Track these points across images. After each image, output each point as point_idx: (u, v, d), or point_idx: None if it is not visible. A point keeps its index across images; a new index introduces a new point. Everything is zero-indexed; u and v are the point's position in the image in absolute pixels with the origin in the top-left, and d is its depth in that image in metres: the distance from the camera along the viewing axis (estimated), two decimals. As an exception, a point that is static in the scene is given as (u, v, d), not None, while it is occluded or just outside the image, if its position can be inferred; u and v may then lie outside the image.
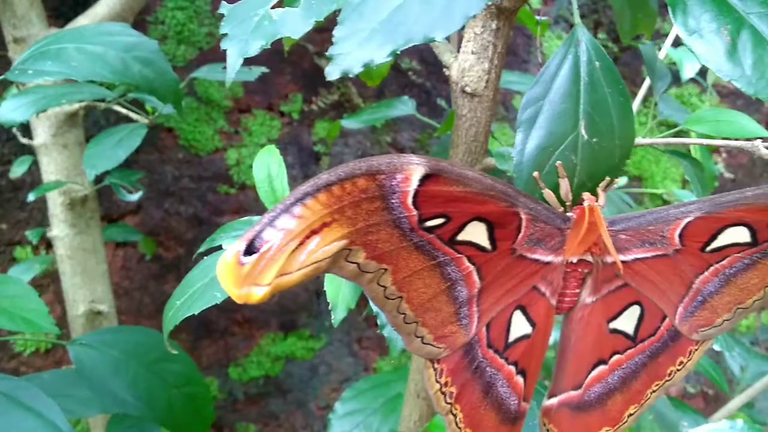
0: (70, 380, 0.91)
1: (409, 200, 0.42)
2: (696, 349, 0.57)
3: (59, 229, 1.25)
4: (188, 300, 0.57)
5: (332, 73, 0.48)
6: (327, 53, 0.46)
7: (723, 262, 0.54)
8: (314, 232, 0.39)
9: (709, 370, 1.26)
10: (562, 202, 0.53)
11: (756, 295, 0.55)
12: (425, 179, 0.42)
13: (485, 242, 0.47)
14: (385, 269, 0.44)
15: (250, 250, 0.38)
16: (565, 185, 0.52)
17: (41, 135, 1.23)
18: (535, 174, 0.52)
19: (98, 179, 1.24)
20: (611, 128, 0.54)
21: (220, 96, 1.52)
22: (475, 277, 0.48)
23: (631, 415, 0.58)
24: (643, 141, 0.69)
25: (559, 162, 0.53)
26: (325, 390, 1.68)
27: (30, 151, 1.30)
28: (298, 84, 1.58)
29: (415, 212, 0.42)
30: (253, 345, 1.63)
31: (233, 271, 0.38)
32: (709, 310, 0.55)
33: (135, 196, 1.22)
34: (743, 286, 0.54)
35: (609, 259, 0.53)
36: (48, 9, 1.27)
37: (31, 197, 1.18)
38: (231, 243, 0.42)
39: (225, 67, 0.76)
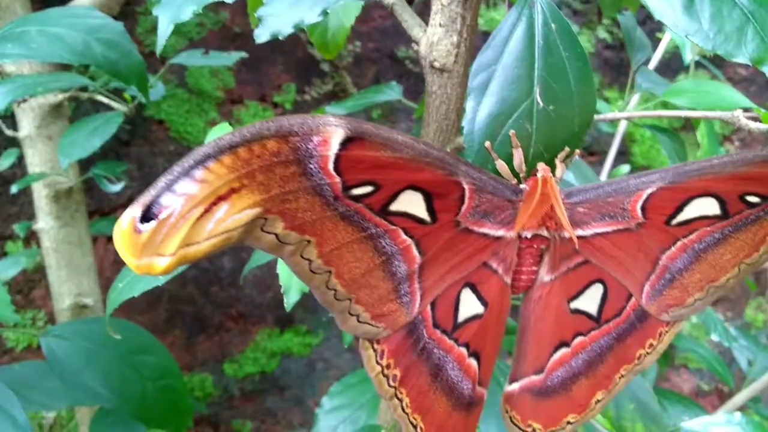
0: (42, 372, 0.89)
1: (330, 166, 0.38)
2: (667, 331, 0.53)
3: (44, 221, 1.23)
4: (130, 282, 0.55)
5: (261, 35, 0.45)
6: (256, 14, 0.44)
7: (691, 237, 0.50)
8: (221, 199, 0.36)
9: (713, 365, 1.22)
10: (515, 174, 0.49)
11: (729, 273, 0.51)
12: (347, 143, 0.38)
13: (423, 213, 0.44)
14: (309, 241, 0.40)
15: (147, 216, 0.35)
16: (518, 155, 0.49)
17: (26, 127, 1.22)
18: (487, 144, 0.49)
19: (83, 171, 1.22)
20: (569, 95, 0.50)
21: (212, 87, 1.50)
22: (414, 251, 0.45)
23: (598, 401, 0.54)
24: (619, 115, 0.65)
25: (512, 131, 0.49)
26: (323, 386, 1.65)
27: (18, 144, 1.29)
28: (291, 74, 1.56)
29: (338, 179, 0.39)
30: (248, 341, 1.60)
31: (129, 239, 0.35)
32: (678, 289, 0.51)
33: (117, 187, 1.20)
34: (715, 262, 0.51)
35: (566, 234, 0.49)
36: (36, 1, 1.26)
37: (14, 189, 1.17)
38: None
39: (206, 52, 0.72)
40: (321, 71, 1.55)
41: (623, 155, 1.78)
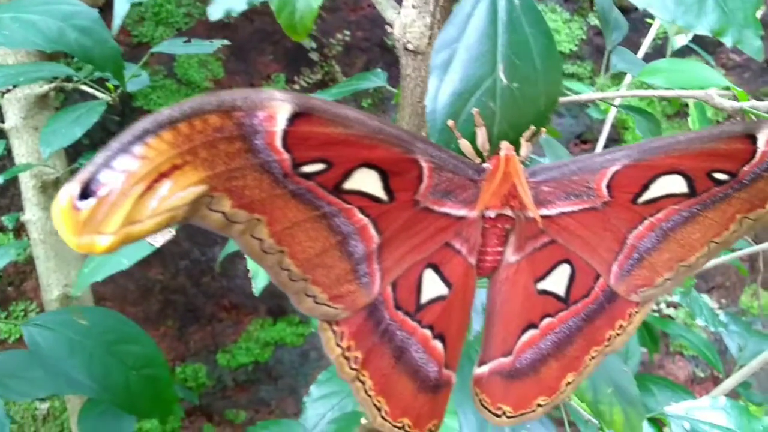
0: (24, 361, 0.89)
1: (278, 142, 0.38)
2: (637, 312, 0.52)
3: (32, 212, 1.23)
4: (96, 267, 0.54)
5: (214, 13, 0.44)
6: (209, -7, 0.43)
7: (658, 216, 0.49)
8: (163, 176, 0.35)
9: (703, 350, 1.21)
10: (479, 153, 0.49)
11: (699, 252, 0.50)
12: (295, 119, 0.38)
13: (379, 192, 0.43)
14: (259, 220, 0.39)
15: (86, 193, 0.34)
16: (482, 134, 0.48)
17: (12, 118, 1.22)
18: (450, 122, 0.49)
19: (71, 161, 1.22)
20: (534, 72, 0.50)
21: (201, 77, 1.50)
22: (372, 230, 0.44)
23: (569, 383, 0.54)
24: (593, 96, 0.64)
25: (475, 109, 0.48)
26: (316, 376, 1.65)
27: (5, 135, 1.28)
28: (280, 63, 1.55)
29: (286, 156, 0.38)
30: (241, 331, 1.60)
31: (69, 217, 0.34)
32: (647, 269, 0.51)
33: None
34: (684, 241, 0.50)
35: (531, 214, 0.48)
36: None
37: (-1, 180, 1.17)
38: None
39: (187, 40, 0.72)
40: (310, 60, 1.54)
41: (616, 142, 1.77)
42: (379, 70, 1.19)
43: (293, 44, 1.55)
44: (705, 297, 2.15)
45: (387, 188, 0.43)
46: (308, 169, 0.40)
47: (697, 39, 1.92)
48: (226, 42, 1.14)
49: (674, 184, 0.48)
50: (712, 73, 0.64)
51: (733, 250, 1.35)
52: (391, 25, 0.67)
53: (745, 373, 1.17)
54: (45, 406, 1.50)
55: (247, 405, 1.62)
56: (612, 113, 1.31)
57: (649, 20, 1.36)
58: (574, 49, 1.76)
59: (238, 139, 0.37)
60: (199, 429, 1.58)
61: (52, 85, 1.19)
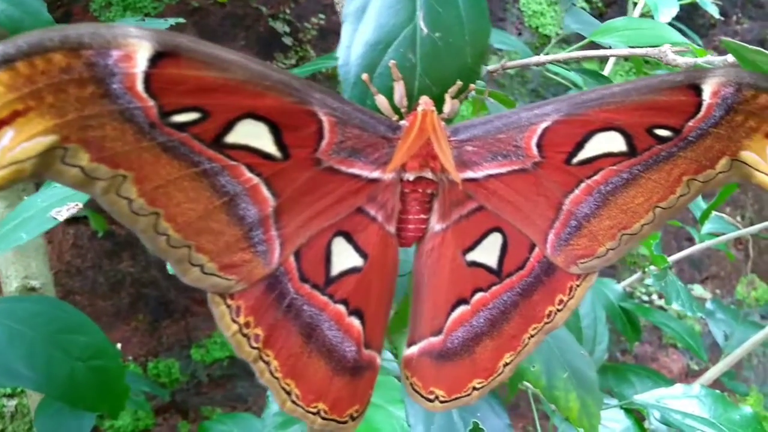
0: (-39, 353, 0.85)
1: (139, 86, 0.33)
2: (578, 285, 0.48)
3: (-12, 202, 1.19)
4: (14, 227, 0.50)
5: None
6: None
7: (596, 178, 0.45)
8: (4, 123, 0.31)
9: (686, 339, 1.16)
10: (397, 110, 0.44)
11: (643, 218, 0.46)
12: (159, 59, 0.33)
13: (270, 148, 0.38)
14: (125, 176, 0.35)
15: None
16: (399, 89, 0.44)
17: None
18: (365, 76, 0.44)
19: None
20: (458, 21, 0.45)
21: (170, 63, 1.45)
22: (265, 191, 0.39)
23: (507, 364, 0.49)
24: (543, 58, 0.60)
25: (392, 61, 0.44)
26: (295, 370, 1.61)
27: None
28: (253, 49, 1.51)
29: (151, 102, 0.34)
30: (215, 325, 1.56)
31: None
32: (587, 237, 0.46)
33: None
34: (626, 206, 0.45)
35: (460, 177, 0.44)
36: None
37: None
38: None
39: (141, 19, 0.67)
40: (284, 45, 1.50)
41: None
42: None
43: (265, 29, 1.50)
44: (699, 287, 2.10)
45: (280, 143, 0.38)
46: (180, 118, 0.35)
47: (688, 21, 1.87)
48: (180, 20, 1.09)
49: (612, 141, 0.43)
50: (670, 31, 0.60)
51: (720, 234, 1.31)
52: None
53: (729, 362, 1.13)
54: (13, 403, 1.46)
55: (224, 401, 1.58)
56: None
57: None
58: (560, 32, 1.72)
59: (91, 82, 0.32)
60: (174, 426, 1.54)
61: None
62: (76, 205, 0.52)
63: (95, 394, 0.89)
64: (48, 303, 0.91)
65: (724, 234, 1.27)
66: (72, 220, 1.46)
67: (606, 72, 1.26)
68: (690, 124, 0.43)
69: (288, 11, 1.51)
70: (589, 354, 0.79)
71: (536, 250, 0.47)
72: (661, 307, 1.94)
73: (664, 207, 0.45)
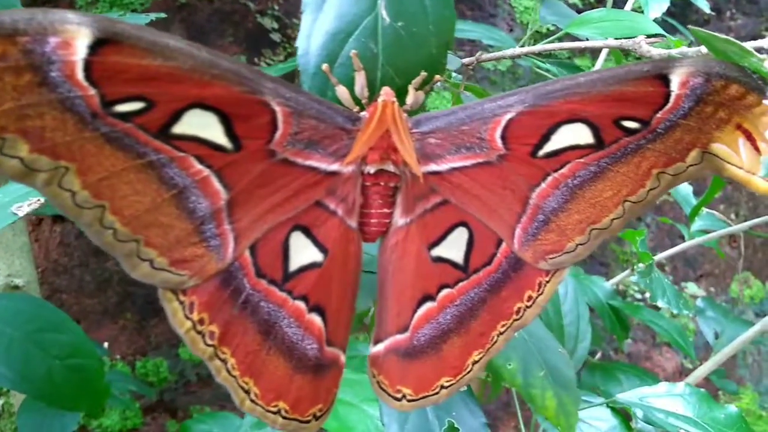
0: (-64, 351, 0.84)
1: (79, 74, 0.32)
2: (547, 281, 0.47)
3: (-29, 200, 1.18)
4: None
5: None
6: None
7: (563, 171, 0.43)
8: None
9: (674, 337, 1.15)
10: (357, 101, 0.43)
11: (613, 213, 0.44)
12: (100, 47, 0.32)
13: (220, 139, 0.37)
14: (67, 168, 0.34)
15: None
16: (360, 79, 0.43)
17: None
18: (325, 66, 0.43)
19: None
20: (422, 10, 0.44)
21: (157, 60, 1.44)
22: (216, 184, 0.38)
23: (476, 362, 0.48)
24: (518, 50, 0.59)
25: (353, 51, 0.43)
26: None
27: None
28: (241, 46, 1.50)
29: (93, 91, 0.33)
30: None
31: None
32: (555, 232, 0.45)
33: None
34: (594, 200, 0.44)
35: (420, 170, 0.43)
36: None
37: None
38: None
39: (122, 14, 0.65)
40: (272, 42, 1.49)
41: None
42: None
43: (254, 26, 1.49)
44: (693, 285, 2.08)
45: (231, 134, 0.37)
46: (124, 107, 0.34)
47: (682, 17, 1.86)
48: (162, 15, 1.08)
49: (578, 134, 0.42)
50: (647, 22, 0.58)
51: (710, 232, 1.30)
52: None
53: (718, 360, 1.11)
54: (-1, 401, 1.45)
55: (213, 400, 1.57)
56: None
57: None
58: (552, 28, 1.70)
59: (28, 70, 0.31)
60: (162, 425, 1.53)
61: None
62: (38, 200, 0.51)
63: (74, 392, 0.88)
64: (29, 301, 0.90)
65: (719, 231, 1.26)
66: (59, 219, 1.45)
67: (596, 67, 1.25)
68: (658, 115, 0.41)
69: (276, 7, 1.50)
70: (572, 352, 0.78)
71: (503, 245, 0.46)
72: (655, 306, 1.93)
73: (634, 201, 0.44)
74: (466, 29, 1.02)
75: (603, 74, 0.41)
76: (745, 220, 1.97)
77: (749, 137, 0.41)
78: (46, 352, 0.87)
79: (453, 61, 0.62)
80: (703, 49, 0.48)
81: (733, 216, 2.03)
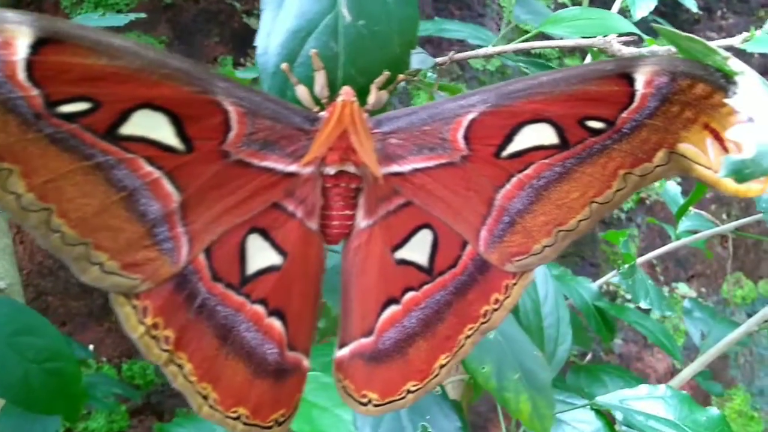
0: None
1: (20, 74, 0.31)
2: (514, 284, 0.46)
3: (-47, 201, 1.17)
4: None
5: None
6: None
7: (527, 172, 0.43)
8: None
9: (660, 338, 1.14)
10: (317, 101, 0.42)
11: (580, 214, 0.44)
12: (42, 46, 0.31)
13: (171, 139, 0.36)
14: (11, 170, 0.33)
15: None
16: (321, 79, 0.42)
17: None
18: (284, 66, 0.42)
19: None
20: (385, 9, 0.43)
21: (142, 61, 1.43)
22: (168, 186, 0.37)
23: (443, 366, 0.47)
24: (491, 50, 0.58)
25: (313, 50, 0.42)
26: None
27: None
28: (227, 46, 1.49)
29: (35, 92, 0.32)
30: (191, 325, 1.54)
31: None
32: (521, 234, 0.44)
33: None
34: (560, 202, 0.43)
35: (380, 171, 0.42)
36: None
37: None
38: None
39: (103, 14, 0.65)
40: (259, 42, 1.48)
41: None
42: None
43: (240, 26, 1.48)
44: (684, 285, 2.08)
45: (182, 135, 0.37)
46: (68, 108, 0.33)
47: (672, 17, 1.85)
48: (142, 15, 1.07)
49: (542, 134, 0.42)
50: (620, 21, 0.58)
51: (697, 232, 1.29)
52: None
53: (704, 361, 1.11)
54: (-16, 405, 1.44)
55: (200, 402, 1.56)
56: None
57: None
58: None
59: None
60: (149, 428, 1.52)
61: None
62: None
63: (50, 397, 0.88)
64: (6, 304, 0.89)
65: (706, 232, 1.26)
66: (43, 220, 1.44)
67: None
68: (624, 115, 0.41)
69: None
70: (551, 354, 0.77)
71: (469, 247, 0.45)
72: (648, 311, 1.92)
73: (601, 202, 0.43)
74: (453, 29, 1.01)
75: (566, 73, 0.40)
76: (737, 220, 1.96)
77: (717, 137, 0.40)
78: (22, 355, 0.86)
79: (426, 61, 0.62)
80: (674, 48, 0.48)
81: (724, 216, 2.02)
